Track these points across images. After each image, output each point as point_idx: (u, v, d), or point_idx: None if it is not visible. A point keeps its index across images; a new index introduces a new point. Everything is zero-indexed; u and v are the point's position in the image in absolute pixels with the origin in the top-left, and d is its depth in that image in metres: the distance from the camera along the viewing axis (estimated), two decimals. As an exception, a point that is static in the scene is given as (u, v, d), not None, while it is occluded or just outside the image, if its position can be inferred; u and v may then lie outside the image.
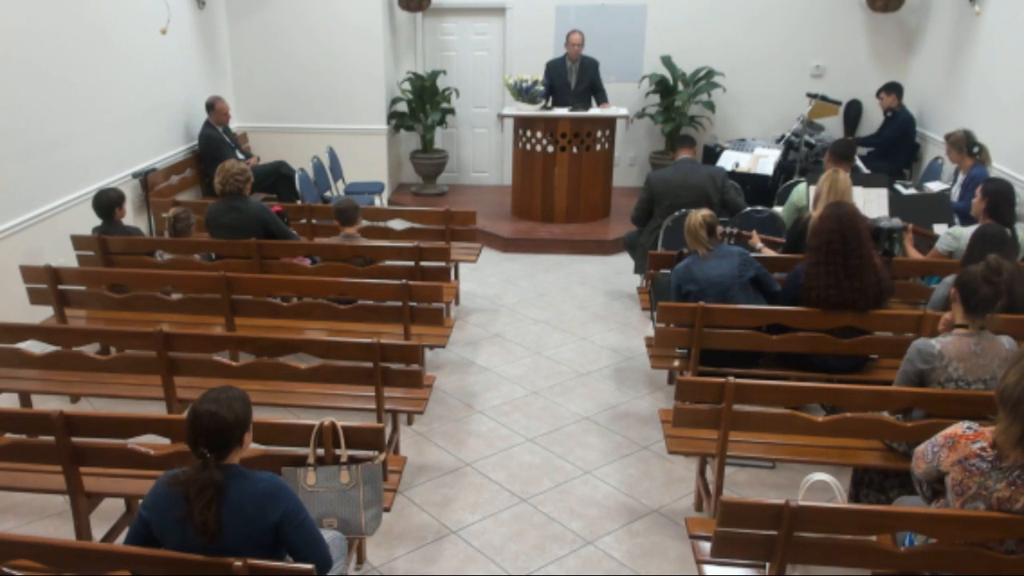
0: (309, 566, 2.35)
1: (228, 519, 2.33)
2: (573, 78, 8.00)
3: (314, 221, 6.09)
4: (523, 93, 7.78)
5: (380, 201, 8.26)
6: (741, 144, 7.99)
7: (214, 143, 7.34)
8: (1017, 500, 2.42)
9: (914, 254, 4.99)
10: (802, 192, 5.43)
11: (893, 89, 7.68)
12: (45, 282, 4.66)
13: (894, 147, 7.65)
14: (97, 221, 5.35)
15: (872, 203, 5.24)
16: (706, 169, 5.97)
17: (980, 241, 4.09)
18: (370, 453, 3.04)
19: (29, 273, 4.71)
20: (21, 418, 3.28)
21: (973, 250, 4.07)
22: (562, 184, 7.85)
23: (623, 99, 8.71)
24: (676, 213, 5.64)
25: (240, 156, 7.42)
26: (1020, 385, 2.36)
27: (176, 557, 2.34)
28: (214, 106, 7.39)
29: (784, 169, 7.59)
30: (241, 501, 2.34)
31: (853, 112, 8.64)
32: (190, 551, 2.33)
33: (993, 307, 3.10)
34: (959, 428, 2.55)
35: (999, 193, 4.45)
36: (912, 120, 7.69)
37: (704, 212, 4.38)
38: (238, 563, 2.28)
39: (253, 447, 2.98)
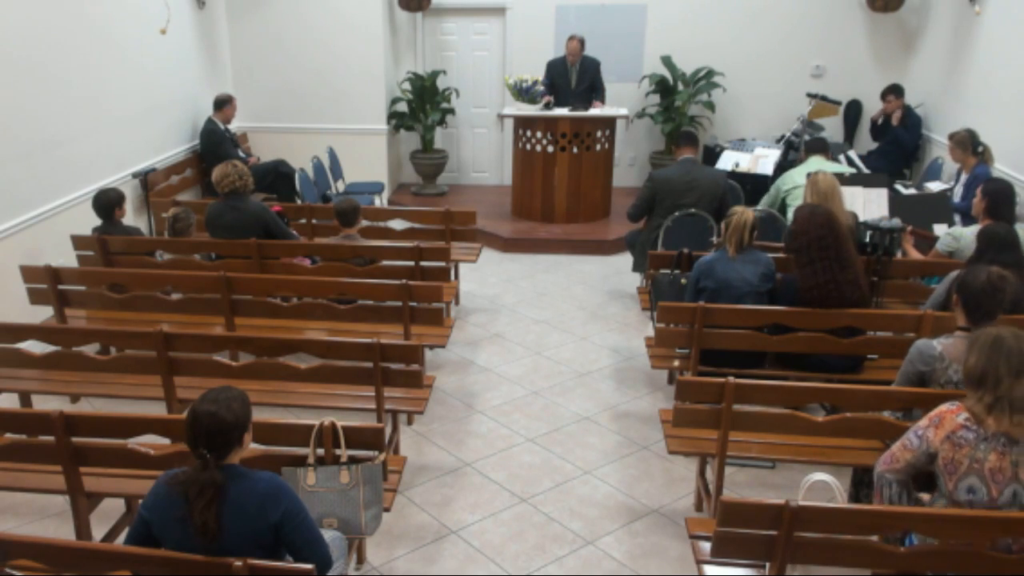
0: (309, 566, 2.35)
1: (228, 519, 2.33)
2: (574, 78, 8.00)
3: (314, 221, 6.10)
4: (523, 93, 7.79)
5: (380, 201, 8.26)
6: (741, 144, 7.99)
7: (216, 138, 7.32)
8: (1008, 469, 2.51)
9: (914, 254, 4.99)
10: (792, 177, 5.53)
11: (902, 95, 7.62)
12: (45, 282, 4.66)
13: (898, 148, 7.64)
14: (97, 221, 5.35)
15: (872, 203, 5.24)
16: (711, 174, 5.92)
17: (988, 241, 4.07)
18: (370, 453, 3.04)
19: (29, 273, 4.71)
20: (21, 418, 3.28)
21: (982, 252, 4.06)
22: (562, 184, 7.85)
23: (623, 99, 8.71)
24: (677, 213, 5.64)
25: (241, 155, 7.42)
26: (980, 363, 2.57)
27: (176, 557, 2.34)
28: (227, 103, 7.40)
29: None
30: (241, 501, 2.34)
31: (853, 112, 8.64)
32: (190, 551, 2.33)
33: (996, 317, 3.11)
34: (942, 407, 2.66)
35: (999, 192, 4.45)
36: (919, 118, 7.68)
37: (753, 214, 4.29)
38: (238, 563, 2.28)
39: (253, 447, 2.98)
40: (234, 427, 2.35)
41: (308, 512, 2.48)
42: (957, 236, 4.67)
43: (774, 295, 4.33)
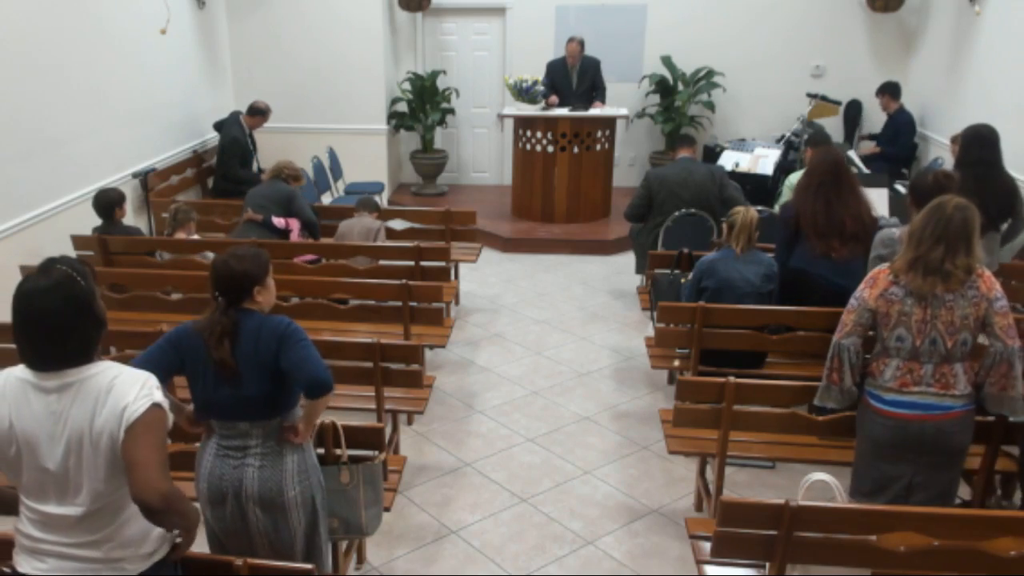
0: (309, 566, 2.37)
1: (241, 353, 2.53)
2: (574, 79, 8.00)
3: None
4: (523, 93, 7.78)
5: (380, 201, 8.24)
6: (741, 144, 7.98)
7: (239, 147, 7.13)
8: (928, 321, 2.84)
9: None
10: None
11: (893, 92, 7.65)
12: (45, 282, 4.65)
13: (891, 146, 7.64)
14: (97, 221, 5.35)
15: (872, 203, 5.23)
16: (706, 167, 5.95)
17: (974, 140, 4.40)
18: (370, 453, 3.04)
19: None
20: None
21: (968, 148, 4.44)
22: (562, 184, 7.85)
23: (623, 99, 8.71)
24: (677, 213, 5.64)
25: (258, 166, 7.39)
26: (921, 222, 2.84)
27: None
28: (262, 112, 7.29)
29: (784, 169, 7.58)
30: (251, 336, 2.54)
31: (853, 112, 8.63)
32: (216, 394, 2.55)
33: None
34: (876, 270, 2.98)
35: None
36: (911, 122, 7.66)
37: (756, 212, 4.29)
38: (239, 562, 2.29)
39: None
40: (243, 276, 2.56)
41: (309, 341, 2.58)
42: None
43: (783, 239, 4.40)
